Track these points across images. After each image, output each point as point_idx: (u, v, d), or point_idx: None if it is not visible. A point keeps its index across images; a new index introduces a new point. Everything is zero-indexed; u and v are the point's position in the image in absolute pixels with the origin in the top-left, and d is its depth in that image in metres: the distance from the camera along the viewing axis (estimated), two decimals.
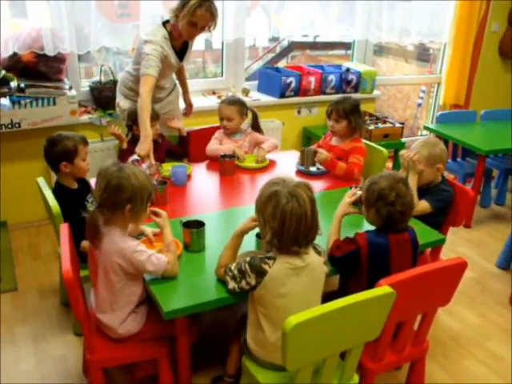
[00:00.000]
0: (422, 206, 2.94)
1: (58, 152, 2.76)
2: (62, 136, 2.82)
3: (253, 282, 1.99)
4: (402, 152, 3.12)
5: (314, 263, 2.09)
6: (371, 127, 4.65)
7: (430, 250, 2.99)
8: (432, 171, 3.01)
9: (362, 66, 5.09)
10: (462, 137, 4.56)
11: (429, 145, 3.05)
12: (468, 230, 4.52)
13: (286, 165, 3.40)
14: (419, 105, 6.55)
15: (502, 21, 5.90)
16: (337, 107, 3.46)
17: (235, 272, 2.05)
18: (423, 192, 3.00)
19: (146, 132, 3.17)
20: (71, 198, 2.77)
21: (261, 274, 1.99)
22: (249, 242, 2.40)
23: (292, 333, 1.73)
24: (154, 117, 3.37)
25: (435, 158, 3.00)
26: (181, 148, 3.64)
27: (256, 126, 3.82)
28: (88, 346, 2.26)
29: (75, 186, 2.88)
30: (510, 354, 3.12)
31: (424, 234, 2.67)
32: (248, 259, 2.02)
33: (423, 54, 6.84)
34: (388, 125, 4.80)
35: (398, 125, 4.81)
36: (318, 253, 2.14)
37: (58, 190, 2.81)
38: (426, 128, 4.92)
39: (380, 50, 6.94)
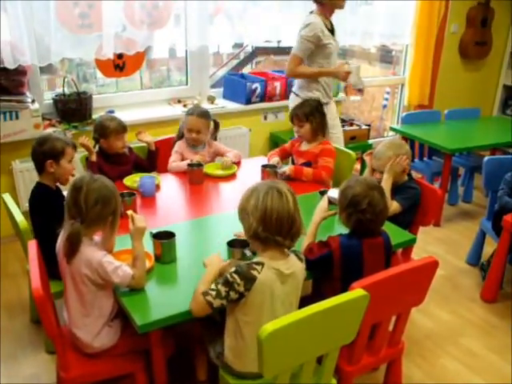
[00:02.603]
0: (393, 206, 2.97)
1: (46, 150, 2.72)
2: (52, 136, 2.81)
3: (241, 289, 1.95)
4: (365, 155, 3.18)
5: (297, 270, 2.09)
6: None
7: (401, 250, 3.01)
8: (401, 170, 3.05)
9: None
10: (427, 136, 4.62)
11: (394, 146, 3.10)
12: (438, 228, 4.57)
13: (255, 170, 3.38)
14: (384, 106, 6.62)
15: (461, 22, 6.03)
16: (296, 112, 3.54)
17: (218, 288, 1.98)
18: (391, 192, 3.03)
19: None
20: (50, 197, 2.72)
21: (250, 280, 1.95)
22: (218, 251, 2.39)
23: (267, 340, 1.71)
24: (121, 130, 3.33)
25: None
26: (149, 162, 3.57)
27: (215, 136, 3.81)
28: (61, 364, 2.21)
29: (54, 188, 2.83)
30: (483, 349, 3.16)
31: (395, 234, 2.67)
32: (233, 269, 1.99)
33: (386, 56, 6.92)
34: (355, 127, 4.84)
35: (364, 127, 4.85)
36: (300, 259, 2.14)
37: (39, 189, 2.75)
38: (392, 129, 4.97)
39: (344, 53, 6.97)
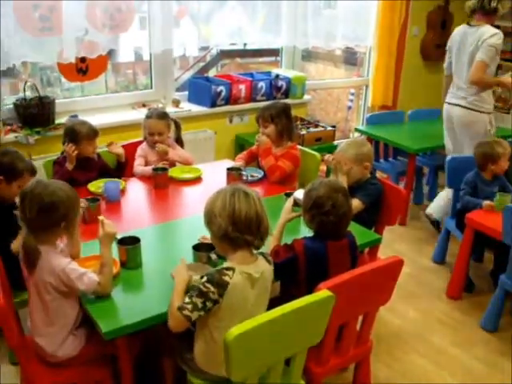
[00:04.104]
0: (355, 204, 2.98)
1: (4, 163, 2.64)
2: (18, 154, 2.73)
3: (216, 296, 1.94)
4: (326, 156, 3.21)
5: (266, 273, 2.10)
6: (303, 132, 4.70)
7: (368, 249, 3.03)
8: (360, 169, 3.10)
9: (291, 71, 5.14)
10: (391, 137, 4.68)
11: (355, 144, 3.15)
12: (404, 227, 4.63)
13: (221, 173, 3.37)
14: (349, 107, 6.68)
15: (422, 25, 6.12)
16: (263, 113, 3.56)
17: (194, 301, 1.95)
18: (353, 190, 3.05)
19: None
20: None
21: (222, 286, 1.94)
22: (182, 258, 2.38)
23: (234, 344, 1.71)
24: (93, 134, 3.29)
25: (362, 156, 3.10)
26: (117, 173, 3.47)
27: (179, 138, 3.79)
28: (25, 375, 2.18)
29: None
30: (450, 345, 3.21)
31: (361, 235, 2.70)
32: (205, 278, 1.96)
33: (351, 58, 6.98)
34: (320, 128, 4.86)
35: (329, 128, 4.88)
36: (268, 262, 2.15)
37: None
38: (356, 130, 5.02)
39: (309, 56, 7.01)
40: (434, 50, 6.27)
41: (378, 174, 5.04)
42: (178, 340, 2.26)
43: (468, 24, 4.13)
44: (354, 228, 2.62)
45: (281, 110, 3.52)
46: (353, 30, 5.49)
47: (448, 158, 3.83)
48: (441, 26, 6.20)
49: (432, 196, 5.12)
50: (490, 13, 3.99)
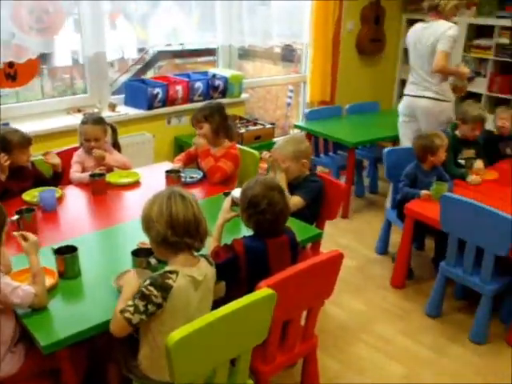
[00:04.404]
0: (295, 201, 3.01)
1: None
2: None
3: (159, 300, 1.91)
4: (264, 154, 3.21)
5: (209, 275, 2.08)
6: (242, 130, 4.69)
7: (310, 244, 3.05)
8: (298, 166, 3.11)
9: (228, 71, 5.12)
10: (330, 132, 4.73)
11: (293, 141, 3.15)
12: (347, 220, 4.69)
13: (160, 176, 3.33)
14: (288, 104, 6.72)
15: (356, 20, 6.22)
16: (196, 115, 3.56)
17: (136, 303, 1.93)
18: (293, 187, 3.08)
19: None
20: None
21: (166, 289, 1.91)
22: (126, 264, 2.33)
23: (176, 348, 1.69)
24: (26, 143, 3.19)
25: (300, 153, 3.10)
26: (53, 183, 3.37)
27: (116, 142, 3.73)
28: None
29: None
30: (396, 334, 3.27)
31: (301, 230, 2.71)
32: (148, 282, 1.93)
33: (289, 55, 7.02)
34: (259, 126, 4.86)
35: (268, 126, 4.88)
36: (210, 263, 2.13)
37: None
38: (296, 126, 5.04)
39: (246, 54, 7.02)
40: (368, 45, 6.38)
41: (320, 169, 5.11)
42: (123, 347, 2.22)
43: (424, 21, 4.36)
44: (294, 224, 2.64)
45: (214, 109, 3.53)
46: (289, 27, 5.52)
47: (385, 150, 3.89)
48: (374, 21, 6.32)
49: (373, 188, 5.22)
50: (439, 10, 4.20)
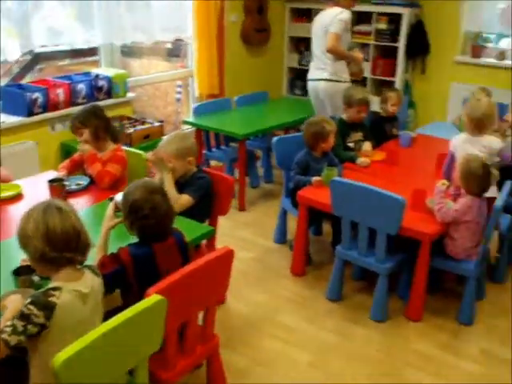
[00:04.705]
0: (184, 200, 2.94)
1: None
2: None
3: (42, 320, 1.77)
4: (148, 154, 3.12)
5: (96, 287, 1.98)
6: (130, 130, 4.54)
7: (205, 242, 3.00)
8: (184, 164, 3.02)
9: (112, 70, 4.94)
10: (219, 125, 4.67)
11: (177, 139, 3.06)
12: (243, 212, 4.66)
13: (44, 187, 3.13)
14: (178, 100, 6.61)
15: (239, 11, 6.19)
16: (73, 121, 3.43)
17: (14, 323, 1.78)
18: (181, 185, 3.00)
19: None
20: None
21: (49, 308, 1.78)
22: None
23: (63, 369, 1.60)
24: None
25: (185, 150, 3.02)
26: None
27: None
28: None
29: None
30: (300, 322, 3.28)
31: (191, 229, 2.67)
32: (28, 300, 1.80)
33: (176, 50, 6.90)
34: (147, 125, 4.73)
35: (156, 124, 4.75)
36: (97, 274, 2.02)
37: None
38: (184, 122, 4.93)
39: (133, 51, 6.83)
40: (254, 35, 6.38)
41: (214, 163, 5.06)
42: (11, 371, 2.07)
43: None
44: (184, 223, 2.59)
45: (89, 113, 3.38)
46: (172, 22, 5.41)
47: (274, 139, 3.88)
48: (257, 11, 6.32)
49: (268, 177, 5.22)
50: (335, 0, 4.63)
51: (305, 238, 3.63)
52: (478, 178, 3.06)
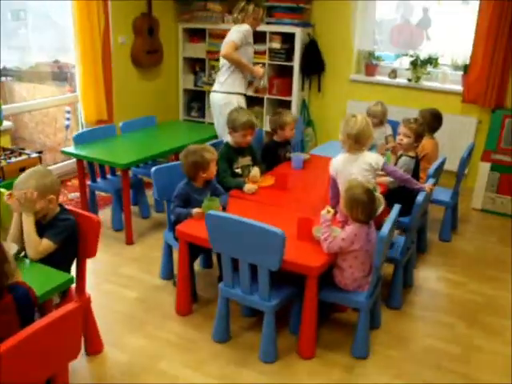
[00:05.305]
0: (45, 245, 2.61)
1: None
2: None
3: None
4: (6, 195, 2.75)
5: None
6: (2, 163, 4.14)
7: (74, 286, 2.73)
8: (44, 203, 2.66)
9: None
10: (101, 155, 4.30)
11: (36, 175, 2.70)
12: (131, 246, 4.33)
13: None
14: (67, 126, 6.21)
15: (128, 33, 5.93)
16: None
17: None
18: (42, 228, 2.66)
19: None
20: None
21: None
22: None
23: None
24: None
25: (45, 188, 2.66)
26: None
27: None
28: None
29: None
30: (182, 369, 2.99)
31: (50, 278, 2.39)
32: None
33: (62, 74, 6.49)
34: (24, 157, 4.33)
35: (34, 155, 4.34)
36: None
37: None
38: (63, 152, 4.51)
39: (16, 75, 6.34)
40: (144, 57, 6.16)
41: (99, 196, 4.70)
42: None
43: None
44: (43, 272, 2.33)
45: None
46: (53, 43, 5.07)
47: (152, 169, 3.58)
48: (148, 32, 6.08)
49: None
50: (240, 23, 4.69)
51: (188, 276, 3.34)
52: (362, 205, 2.90)
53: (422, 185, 3.66)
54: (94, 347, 3.04)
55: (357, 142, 3.35)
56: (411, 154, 3.99)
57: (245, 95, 4.89)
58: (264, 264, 2.79)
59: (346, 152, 3.42)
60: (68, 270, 2.74)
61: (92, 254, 2.80)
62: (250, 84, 5.12)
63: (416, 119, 4.04)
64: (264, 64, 5.86)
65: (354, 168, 3.35)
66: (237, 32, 4.58)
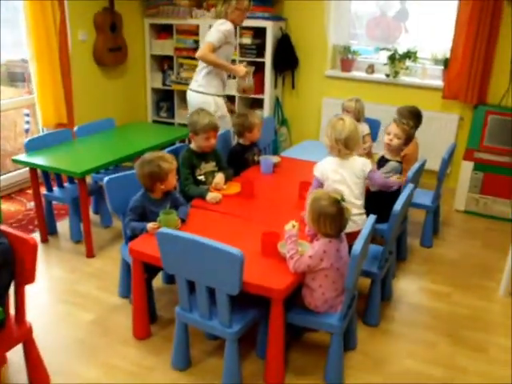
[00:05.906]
0: None
1: None
2: None
3: None
4: None
5: None
6: None
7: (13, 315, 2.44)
8: None
9: None
10: (56, 162, 3.92)
11: None
12: (91, 259, 4.01)
13: None
14: (27, 130, 5.85)
15: (89, 29, 5.58)
16: None
17: None
18: None
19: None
20: None
21: None
22: None
23: None
24: None
25: None
26: None
27: None
28: None
29: None
30: None
31: None
32: None
33: (17, 74, 6.11)
34: None
35: None
36: None
37: None
38: (14, 161, 4.14)
39: None
40: (108, 55, 5.82)
41: (56, 205, 4.38)
42: None
43: None
44: None
45: None
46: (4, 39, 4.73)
47: (105, 179, 3.25)
48: (110, 28, 5.74)
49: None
50: (220, 17, 4.46)
51: (144, 296, 3.01)
52: (330, 218, 2.60)
53: (396, 181, 3.55)
54: (39, 381, 2.72)
55: (346, 147, 3.17)
56: (398, 158, 3.76)
57: (226, 96, 4.75)
58: (222, 288, 2.49)
59: (336, 156, 3.24)
60: (1, 301, 2.42)
61: (30, 280, 2.47)
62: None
63: (408, 121, 3.79)
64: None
65: (345, 172, 3.20)
66: (216, 32, 4.34)
